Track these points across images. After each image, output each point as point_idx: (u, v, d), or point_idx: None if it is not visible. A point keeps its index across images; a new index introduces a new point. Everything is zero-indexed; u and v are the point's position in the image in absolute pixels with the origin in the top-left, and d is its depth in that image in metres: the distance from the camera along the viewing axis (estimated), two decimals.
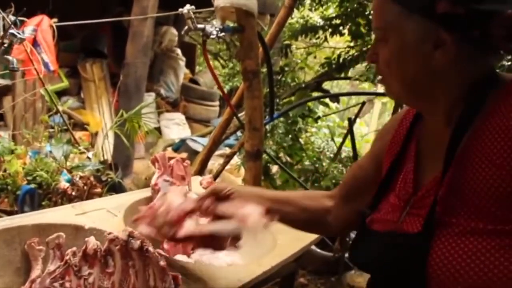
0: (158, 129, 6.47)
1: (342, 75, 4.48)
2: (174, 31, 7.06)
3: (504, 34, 0.85)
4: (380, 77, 1.03)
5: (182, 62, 7.42)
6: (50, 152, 3.14)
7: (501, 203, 0.84)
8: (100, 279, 1.19)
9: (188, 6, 1.86)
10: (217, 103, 7.55)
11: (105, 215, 1.62)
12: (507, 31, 0.85)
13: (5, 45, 2.29)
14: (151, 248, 1.14)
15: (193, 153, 4.96)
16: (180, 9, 1.87)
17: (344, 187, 1.29)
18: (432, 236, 0.90)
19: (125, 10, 5.85)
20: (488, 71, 0.93)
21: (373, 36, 4.43)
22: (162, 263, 1.14)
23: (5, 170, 2.86)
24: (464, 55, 0.90)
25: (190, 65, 8.14)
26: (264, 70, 2.50)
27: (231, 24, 2.13)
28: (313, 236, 1.69)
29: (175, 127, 6.76)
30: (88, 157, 3.40)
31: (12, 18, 2.72)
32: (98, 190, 2.92)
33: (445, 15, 0.86)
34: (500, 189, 0.84)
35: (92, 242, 1.19)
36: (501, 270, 0.82)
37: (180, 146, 5.66)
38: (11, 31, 2.35)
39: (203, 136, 6.26)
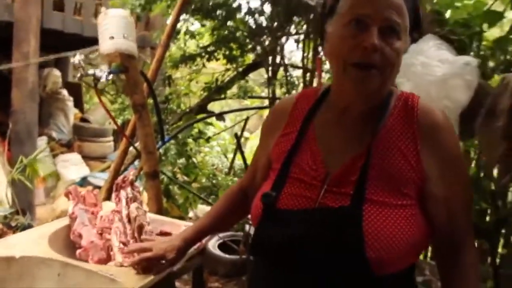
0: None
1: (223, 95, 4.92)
2: (56, 72, 7.07)
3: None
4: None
5: (70, 103, 7.43)
6: None
7: (406, 183, 1.09)
8: None
9: (78, 56, 2.14)
10: (110, 138, 7.57)
11: (31, 244, 1.71)
12: None
13: None
14: None
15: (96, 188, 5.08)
16: (72, 59, 2.13)
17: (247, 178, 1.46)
18: (361, 209, 1.06)
19: (2, 57, 5.78)
20: None
21: (245, 58, 4.94)
22: None
23: None
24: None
25: (78, 104, 8.10)
26: (151, 101, 2.82)
27: (117, 63, 2.42)
28: None
29: (73, 167, 6.73)
30: None
31: None
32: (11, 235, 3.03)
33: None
34: (405, 172, 1.10)
35: None
36: (405, 233, 1.06)
37: (81, 184, 5.71)
38: None
39: (102, 171, 6.35)
